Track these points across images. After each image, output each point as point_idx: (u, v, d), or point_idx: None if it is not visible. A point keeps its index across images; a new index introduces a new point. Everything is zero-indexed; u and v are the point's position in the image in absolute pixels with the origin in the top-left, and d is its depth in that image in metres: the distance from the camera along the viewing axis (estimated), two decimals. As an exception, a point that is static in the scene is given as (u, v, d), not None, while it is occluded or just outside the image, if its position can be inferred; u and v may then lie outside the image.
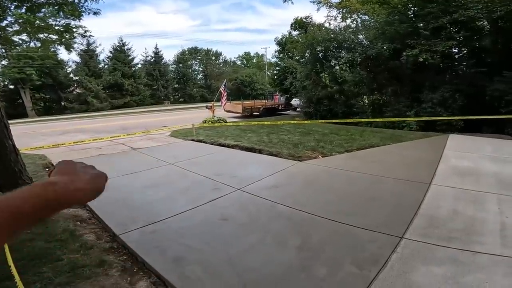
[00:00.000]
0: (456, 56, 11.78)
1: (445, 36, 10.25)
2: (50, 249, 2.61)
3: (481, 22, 10.74)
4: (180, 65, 44.18)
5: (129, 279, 2.40)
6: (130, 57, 37.17)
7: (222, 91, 15.07)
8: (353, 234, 3.09)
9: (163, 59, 42.09)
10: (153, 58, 40.98)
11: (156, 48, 41.18)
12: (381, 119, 10.59)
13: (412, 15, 12.01)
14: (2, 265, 1.79)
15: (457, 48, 11.31)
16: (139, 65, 39.40)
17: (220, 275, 2.49)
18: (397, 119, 10.31)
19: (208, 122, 12.63)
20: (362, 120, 11.04)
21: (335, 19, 18.61)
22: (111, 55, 35.74)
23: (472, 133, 9.31)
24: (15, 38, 5.89)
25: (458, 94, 10.30)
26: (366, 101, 14.04)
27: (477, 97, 10.21)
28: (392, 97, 12.29)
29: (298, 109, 19.52)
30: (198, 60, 47.57)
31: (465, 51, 11.50)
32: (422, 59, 9.99)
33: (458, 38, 10.35)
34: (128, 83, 34.90)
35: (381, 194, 4.20)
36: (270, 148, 6.98)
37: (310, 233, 3.16)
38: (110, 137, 9.49)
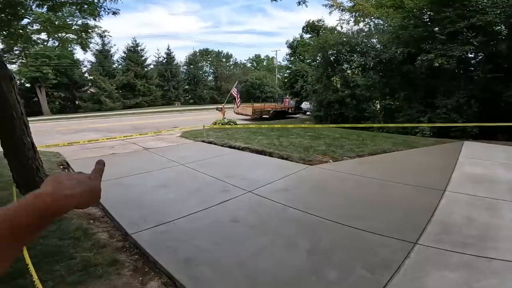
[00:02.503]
0: (472, 61, 11.49)
1: (462, 41, 10.02)
2: (63, 247, 2.63)
3: (499, 27, 10.45)
4: (191, 66, 44.52)
5: (140, 279, 2.39)
6: (143, 58, 37.61)
7: (233, 93, 15.04)
8: (365, 238, 3.05)
9: (174, 60, 42.49)
10: (165, 59, 41.40)
11: (168, 49, 41.64)
12: (393, 125, 10.36)
13: (427, 20, 11.78)
14: (16, 263, 1.79)
15: (473, 53, 11.02)
16: (151, 66, 39.85)
17: (230, 277, 2.47)
18: (410, 124, 10.06)
19: (218, 123, 12.64)
20: (374, 125, 10.81)
21: (348, 23, 18.46)
22: (125, 55, 36.25)
23: (487, 140, 9.02)
24: (34, 37, 6.02)
25: (473, 100, 10.01)
26: (378, 106, 13.76)
27: (493, 103, 9.93)
28: (404, 102, 12.00)
29: (308, 113, 19.35)
30: (208, 62, 47.85)
31: (481, 56, 11.20)
32: (437, 64, 9.78)
33: (474, 43, 10.09)
34: (141, 84, 35.36)
35: (394, 200, 4.13)
36: (280, 151, 6.92)
37: (320, 236, 3.12)
38: (123, 137, 9.62)
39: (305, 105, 20.29)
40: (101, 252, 2.63)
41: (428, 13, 11.79)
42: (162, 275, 2.49)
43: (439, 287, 2.24)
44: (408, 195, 4.31)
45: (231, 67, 51.07)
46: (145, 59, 38.05)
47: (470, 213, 3.60)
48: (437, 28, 10.89)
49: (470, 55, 11.06)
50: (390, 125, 10.41)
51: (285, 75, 29.74)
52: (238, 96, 15.29)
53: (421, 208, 3.78)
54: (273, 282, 2.41)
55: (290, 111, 20.42)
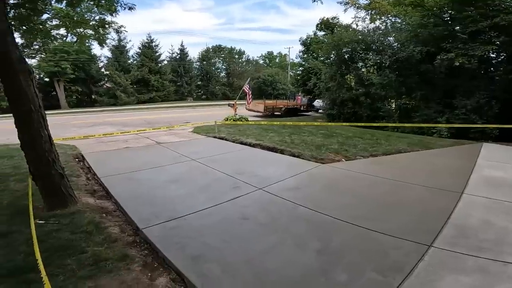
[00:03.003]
0: (494, 61, 11.04)
1: (484, 40, 9.65)
2: (75, 240, 2.64)
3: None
4: (204, 62, 44.70)
5: (149, 274, 2.37)
6: (157, 54, 38.05)
7: (245, 90, 15.03)
8: (377, 240, 2.96)
9: (188, 56, 42.80)
10: (179, 55, 41.75)
11: (182, 45, 41.99)
12: (409, 125, 10.04)
13: (448, 18, 11.35)
14: (28, 256, 1.80)
15: (495, 53, 10.56)
16: (165, 62, 40.27)
17: (239, 275, 2.42)
18: (427, 124, 9.73)
19: (230, 120, 12.64)
20: (389, 124, 10.52)
21: (363, 21, 17.96)
22: (140, 51, 36.80)
23: (507, 142, 8.61)
24: (53, 32, 6.10)
25: (494, 101, 9.67)
26: (393, 105, 13.47)
27: (514, 104, 9.56)
28: (421, 101, 11.66)
29: (320, 111, 19.12)
30: (221, 58, 47.91)
31: (503, 56, 10.71)
32: (458, 63, 9.42)
33: (497, 43, 9.67)
34: (154, 79, 35.83)
35: (409, 201, 3.99)
36: (292, 148, 6.81)
37: (331, 236, 3.05)
38: (137, 131, 9.73)
39: (317, 103, 20.04)
40: (112, 246, 2.62)
41: (449, 11, 11.38)
42: (171, 271, 2.47)
43: None
44: (423, 196, 4.16)
45: (244, 64, 50.98)
46: (159, 55, 38.51)
47: (488, 216, 3.48)
48: (458, 27, 10.51)
49: (492, 55, 10.63)
50: (405, 124, 10.09)
51: (298, 72, 29.38)
52: (250, 92, 15.32)
53: (437, 210, 3.66)
54: (281, 282, 2.35)
55: (302, 108, 20.22)
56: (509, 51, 10.03)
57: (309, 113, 20.33)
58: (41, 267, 1.53)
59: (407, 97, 12.68)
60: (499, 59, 10.91)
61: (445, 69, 10.27)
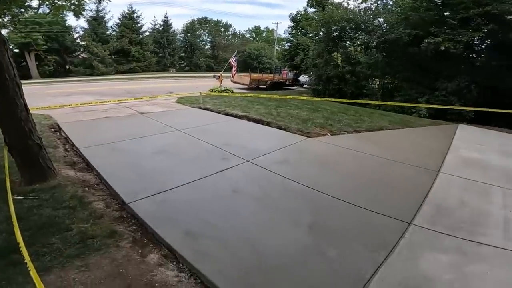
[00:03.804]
0: (476, 48, 11.23)
1: (473, 27, 9.68)
2: (59, 217, 2.45)
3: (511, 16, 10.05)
4: (189, 34, 42.35)
5: (140, 251, 2.27)
6: (139, 25, 35.52)
7: (232, 62, 14.79)
8: (364, 216, 3.03)
9: (171, 27, 40.29)
10: (162, 27, 39.26)
11: (165, 16, 39.32)
12: (391, 103, 10.28)
13: (440, 3, 11.22)
14: (10, 235, 1.61)
15: (479, 40, 10.69)
16: (147, 33, 37.80)
17: (232, 250, 2.38)
18: (408, 104, 10.01)
19: (215, 91, 12.28)
20: (372, 102, 10.76)
21: (355, 0, 17.52)
22: (120, 22, 34.16)
23: (481, 125, 9.01)
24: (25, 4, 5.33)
25: (474, 85, 9.98)
26: (377, 84, 13.67)
27: (492, 90, 9.92)
28: (404, 82, 11.95)
29: (305, 86, 19.18)
30: (206, 31, 45.55)
31: (487, 43, 10.89)
32: (443, 48, 9.50)
33: (484, 30, 9.73)
34: (135, 50, 33.62)
35: (390, 178, 4.10)
36: (278, 121, 6.73)
37: (322, 212, 3.07)
38: (117, 100, 9.17)
39: (303, 78, 20.07)
40: (98, 223, 2.47)
41: (443, -4, 11.21)
42: (162, 247, 2.38)
43: (431, 269, 2.25)
44: (403, 173, 4.28)
45: (230, 37, 49.08)
46: (141, 26, 36.01)
47: (463, 196, 3.62)
48: (448, 13, 10.48)
49: (476, 42, 10.75)
50: (388, 103, 10.32)
51: (286, 47, 28.87)
52: (236, 65, 15.15)
53: (416, 188, 3.78)
54: (277, 256, 2.34)
55: (287, 82, 20.20)
56: (495, 39, 10.17)
57: (294, 87, 20.34)
58: (24, 250, 1.37)
59: (391, 77, 12.95)
60: (483, 46, 11.10)
61: (431, 53, 10.34)
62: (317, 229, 2.74)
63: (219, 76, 14.20)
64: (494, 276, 2.23)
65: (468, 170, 4.54)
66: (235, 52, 16.23)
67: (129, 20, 34.46)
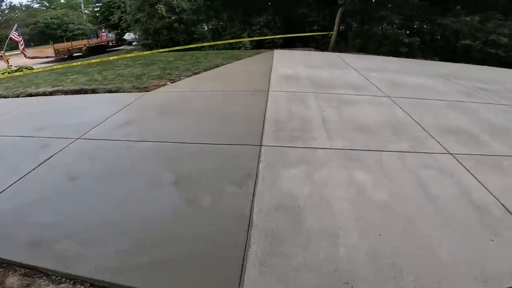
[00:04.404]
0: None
1: None
2: None
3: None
4: None
5: None
6: None
7: (14, 37, 12.37)
8: (223, 152, 2.91)
9: None
10: None
11: None
12: (220, 42, 10.83)
13: None
14: None
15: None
16: None
17: (97, 243, 1.84)
18: (234, 40, 10.86)
19: (3, 73, 8.92)
20: (204, 44, 11.00)
21: None
22: None
23: (289, 48, 11.06)
24: None
25: (277, 17, 11.69)
26: (206, 28, 13.96)
27: (290, 19, 11.94)
28: (228, 22, 12.74)
29: (134, 43, 17.14)
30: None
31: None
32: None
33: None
34: None
35: (234, 108, 4.17)
36: (106, 85, 5.59)
37: (182, 163, 2.76)
38: None
39: (128, 36, 17.74)
40: None
41: None
42: (15, 267, 1.62)
43: (291, 185, 2.32)
44: (244, 100, 4.47)
45: (6, 12, 37.15)
46: None
47: (290, 107, 4.03)
48: None
49: None
50: (218, 42, 10.81)
51: (96, 9, 24.58)
52: (21, 39, 12.91)
53: (256, 110, 3.93)
54: (150, 228, 1.96)
55: (111, 44, 17.37)
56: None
57: (121, 47, 18.12)
58: None
59: (216, 19, 13.40)
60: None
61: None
62: (183, 183, 2.44)
63: (1, 57, 11.55)
64: (335, 179, 2.41)
65: (288, 84, 5.26)
66: (15, 26, 13.12)
67: None
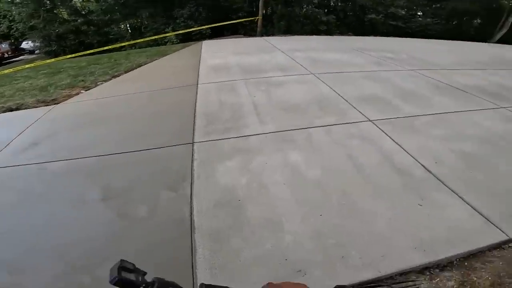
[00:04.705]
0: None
1: None
2: None
3: None
4: None
5: None
6: None
7: None
8: (153, 156, 2.65)
9: None
10: None
11: None
12: (142, 40, 9.95)
13: None
14: None
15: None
16: None
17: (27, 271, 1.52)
18: (157, 36, 10.13)
19: None
20: (124, 43, 9.93)
21: None
22: None
23: (218, 37, 10.79)
24: None
25: (201, 7, 11.26)
26: (123, 27, 12.82)
27: (215, 9, 11.67)
28: (149, 18, 11.97)
29: (37, 51, 14.80)
30: None
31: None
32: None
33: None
34: None
35: (161, 107, 3.88)
36: (4, 103, 4.65)
37: (108, 176, 2.42)
38: None
39: (27, 44, 15.35)
40: None
41: None
42: None
43: (229, 178, 2.23)
44: (172, 98, 4.19)
45: None
46: None
47: (220, 98, 3.90)
48: None
49: None
50: (139, 40, 9.85)
51: None
52: None
53: (185, 106, 3.74)
54: (86, 252, 1.69)
55: (6, 55, 14.80)
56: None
57: (20, 58, 15.67)
58: None
59: (134, 16, 12.36)
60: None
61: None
62: (112, 197, 2.15)
63: None
64: (271, 163, 2.37)
65: (217, 74, 5.08)
66: None
67: None
